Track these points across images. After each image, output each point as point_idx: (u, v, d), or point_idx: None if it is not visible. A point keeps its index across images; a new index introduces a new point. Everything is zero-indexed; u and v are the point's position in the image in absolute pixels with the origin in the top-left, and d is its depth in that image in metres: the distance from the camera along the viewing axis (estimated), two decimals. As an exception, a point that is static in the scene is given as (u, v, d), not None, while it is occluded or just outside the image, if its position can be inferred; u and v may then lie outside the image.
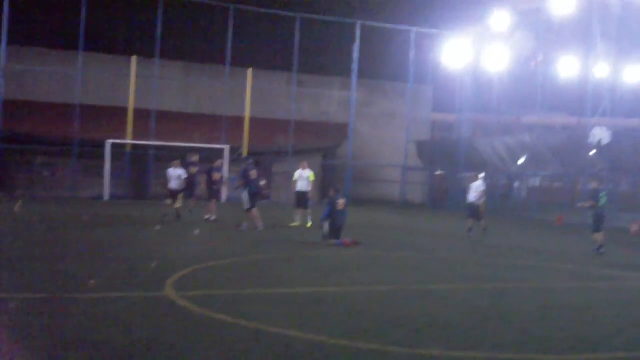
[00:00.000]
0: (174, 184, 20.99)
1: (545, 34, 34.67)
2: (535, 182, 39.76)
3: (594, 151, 33.06)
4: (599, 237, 16.65)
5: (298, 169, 21.72)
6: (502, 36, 35.18)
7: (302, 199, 21.02)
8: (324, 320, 8.44)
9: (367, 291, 10.60)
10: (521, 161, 35.23)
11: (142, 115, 31.56)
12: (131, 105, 31.34)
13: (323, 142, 37.50)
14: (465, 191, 20.64)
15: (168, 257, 12.92)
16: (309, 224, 20.40)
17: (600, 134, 26.61)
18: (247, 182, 19.00)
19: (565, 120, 51.22)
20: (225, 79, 34.33)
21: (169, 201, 21.16)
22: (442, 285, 11.44)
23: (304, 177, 21.06)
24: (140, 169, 32.08)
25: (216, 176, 21.75)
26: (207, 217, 21.12)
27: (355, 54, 35.88)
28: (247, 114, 33.45)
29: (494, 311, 9.44)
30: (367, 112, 40.88)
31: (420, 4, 40.92)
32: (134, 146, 31.44)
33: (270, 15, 35.97)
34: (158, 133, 31.74)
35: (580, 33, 36.05)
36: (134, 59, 31.80)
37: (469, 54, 36.66)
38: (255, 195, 19.12)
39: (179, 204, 21.00)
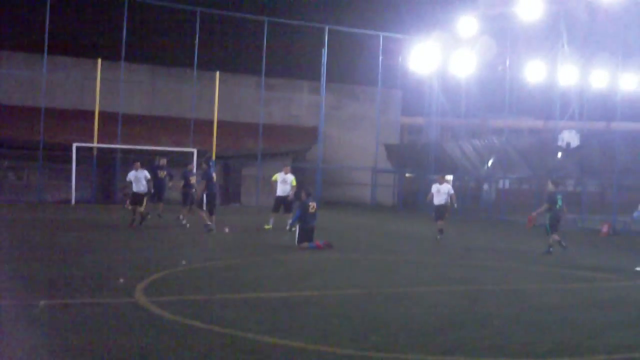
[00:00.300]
0: (138, 187, 19.84)
1: (513, 38, 34.86)
2: (505, 184, 40.01)
3: (560, 154, 33.34)
4: (556, 237, 16.90)
5: (280, 172, 21.51)
6: (469, 41, 35.37)
7: (282, 203, 20.88)
8: (299, 325, 8.27)
9: (342, 295, 10.45)
10: (489, 164, 35.41)
11: (108, 118, 31.13)
12: (97, 108, 30.85)
13: (293, 145, 37.36)
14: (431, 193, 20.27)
15: (137, 262, 12.66)
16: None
17: (569, 137, 26.81)
18: (208, 184, 19.06)
19: (533, 123, 51.75)
20: (192, 82, 34.01)
21: (129, 206, 20.40)
22: (416, 288, 11.34)
23: (287, 182, 20.95)
24: (107, 172, 31.67)
25: (192, 180, 21.48)
26: (183, 221, 20.86)
27: (324, 58, 35.79)
28: (215, 117, 33.13)
29: (470, 314, 9.35)
30: (337, 116, 40.84)
31: (388, 9, 41.01)
32: (101, 149, 30.96)
33: (238, 19, 35.74)
34: (125, 136, 31.33)
35: (547, 38, 36.39)
36: (99, 61, 31.31)
37: (437, 59, 36.80)
38: (213, 197, 19.20)
39: (143, 208, 19.94)
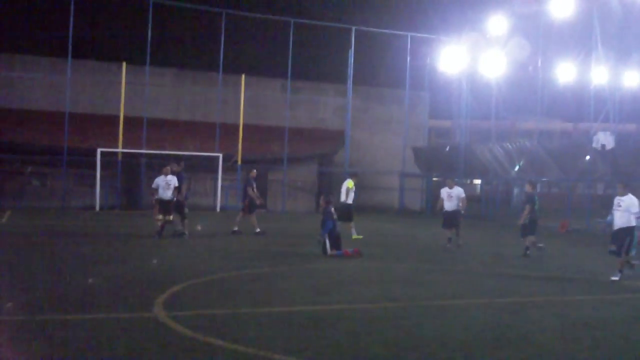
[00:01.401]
0: (166, 194, 18.32)
1: (544, 38, 34.00)
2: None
3: (587, 157, 32.44)
4: (532, 239, 16.90)
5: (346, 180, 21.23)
6: (498, 41, 34.59)
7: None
8: (329, 344, 7.65)
9: (374, 309, 9.78)
10: (517, 167, 34.57)
11: (133, 123, 30.80)
12: (122, 113, 30.53)
13: (319, 149, 36.81)
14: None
15: (158, 273, 12.13)
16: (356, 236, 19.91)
17: (604, 139, 25.93)
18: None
19: (563, 125, 50.70)
20: (218, 85, 33.59)
21: (159, 216, 18.19)
22: (453, 301, 10.63)
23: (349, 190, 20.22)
24: (131, 178, 31.34)
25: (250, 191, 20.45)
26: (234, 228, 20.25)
27: (351, 60, 35.17)
28: (241, 121, 32.66)
29: (514, 329, 8.67)
30: (363, 119, 40.20)
31: (416, 10, 40.34)
32: (126, 155, 30.63)
33: (263, 21, 35.28)
34: (150, 141, 30.99)
35: (580, 37, 35.48)
36: (124, 65, 30.99)
37: (465, 59, 36.04)
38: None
39: (171, 217, 18.44)
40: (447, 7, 38.66)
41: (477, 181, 47.82)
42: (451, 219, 18.47)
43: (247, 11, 34.08)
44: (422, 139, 42.87)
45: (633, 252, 13.10)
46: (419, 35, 36.54)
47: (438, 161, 39.45)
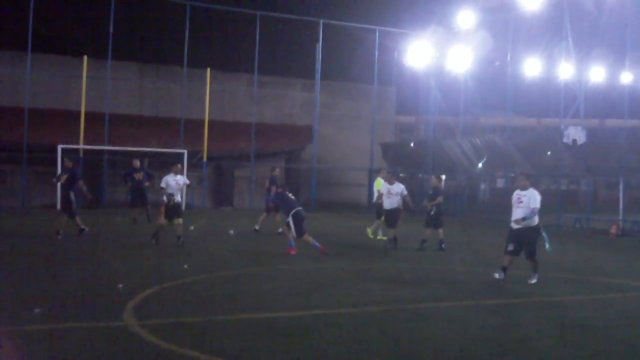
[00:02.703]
0: (177, 196, 16.21)
1: (511, 33, 33.79)
2: (505, 183, 39.05)
3: (549, 152, 32.45)
4: (437, 232, 16.82)
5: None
6: (466, 36, 34.31)
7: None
8: (314, 353, 7.11)
9: (359, 313, 9.21)
10: (481, 163, 34.43)
11: (94, 118, 29.79)
12: (83, 108, 29.51)
13: (286, 145, 36.23)
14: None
15: (126, 276, 11.43)
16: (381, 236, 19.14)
17: (575, 134, 25.75)
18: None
19: (527, 121, 50.83)
20: (182, 80, 32.75)
21: (163, 221, 16.12)
22: (440, 303, 10.11)
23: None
24: (93, 175, 30.38)
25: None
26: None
27: (319, 54, 34.60)
28: (207, 116, 31.85)
29: (508, 334, 8.21)
30: (331, 114, 39.73)
31: (384, 4, 39.84)
32: (87, 151, 29.66)
33: (229, 13, 34.39)
34: (112, 137, 30.04)
35: (547, 33, 35.42)
36: (85, 59, 29.93)
37: (433, 55, 35.74)
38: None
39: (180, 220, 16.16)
40: (415, 2, 38.24)
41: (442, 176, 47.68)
42: (393, 218, 17.15)
43: (213, 3, 33.21)
44: (390, 134, 42.55)
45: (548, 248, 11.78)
46: (387, 29, 36.06)
47: (406, 157, 39.15)
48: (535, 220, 11.82)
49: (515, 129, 47.11)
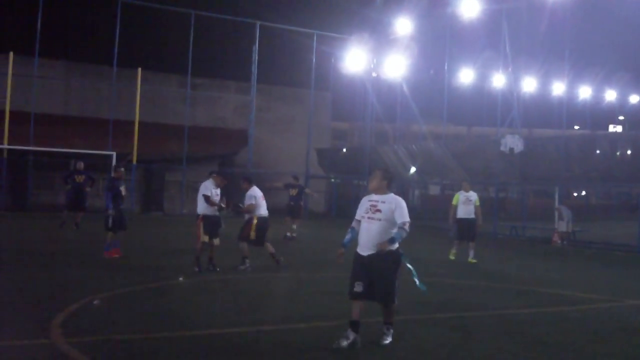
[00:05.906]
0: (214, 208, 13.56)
1: (449, 41, 33.78)
2: (441, 190, 39.11)
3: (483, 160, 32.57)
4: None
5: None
6: (403, 43, 34.24)
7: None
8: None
9: (308, 330, 8.51)
10: (412, 169, 34.33)
11: (20, 117, 28.27)
12: (8, 107, 27.94)
13: (219, 149, 35.32)
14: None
15: (52, 287, 10.49)
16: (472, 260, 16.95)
17: (512, 142, 25.73)
18: None
19: (457, 129, 51.30)
20: (111, 80, 31.47)
21: (205, 237, 13.23)
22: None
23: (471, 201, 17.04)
24: (18, 176, 28.96)
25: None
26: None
27: (255, 56, 33.85)
28: (137, 118, 30.64)
29: (470, 352, 7.69)
30: (265, 118, 39.01)
31: (322, 9, 39.38)
32: (11, 151, 28.15)
33: (162, 12, 33.23)
34: (38, 137, 28.58)
35: (483, 42, 35.68)
36: (11, 56, 28.36)
37: (369, 61, 35.55)
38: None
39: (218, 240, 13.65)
40: (354, 7, 37.93)
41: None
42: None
43: (145, 1, 32.05)
44: (325, 140, 42.13)
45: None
46: (324, 34, 35.60)
47: (342, 163, 38.79)
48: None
49: (453, 136, 47.53)
